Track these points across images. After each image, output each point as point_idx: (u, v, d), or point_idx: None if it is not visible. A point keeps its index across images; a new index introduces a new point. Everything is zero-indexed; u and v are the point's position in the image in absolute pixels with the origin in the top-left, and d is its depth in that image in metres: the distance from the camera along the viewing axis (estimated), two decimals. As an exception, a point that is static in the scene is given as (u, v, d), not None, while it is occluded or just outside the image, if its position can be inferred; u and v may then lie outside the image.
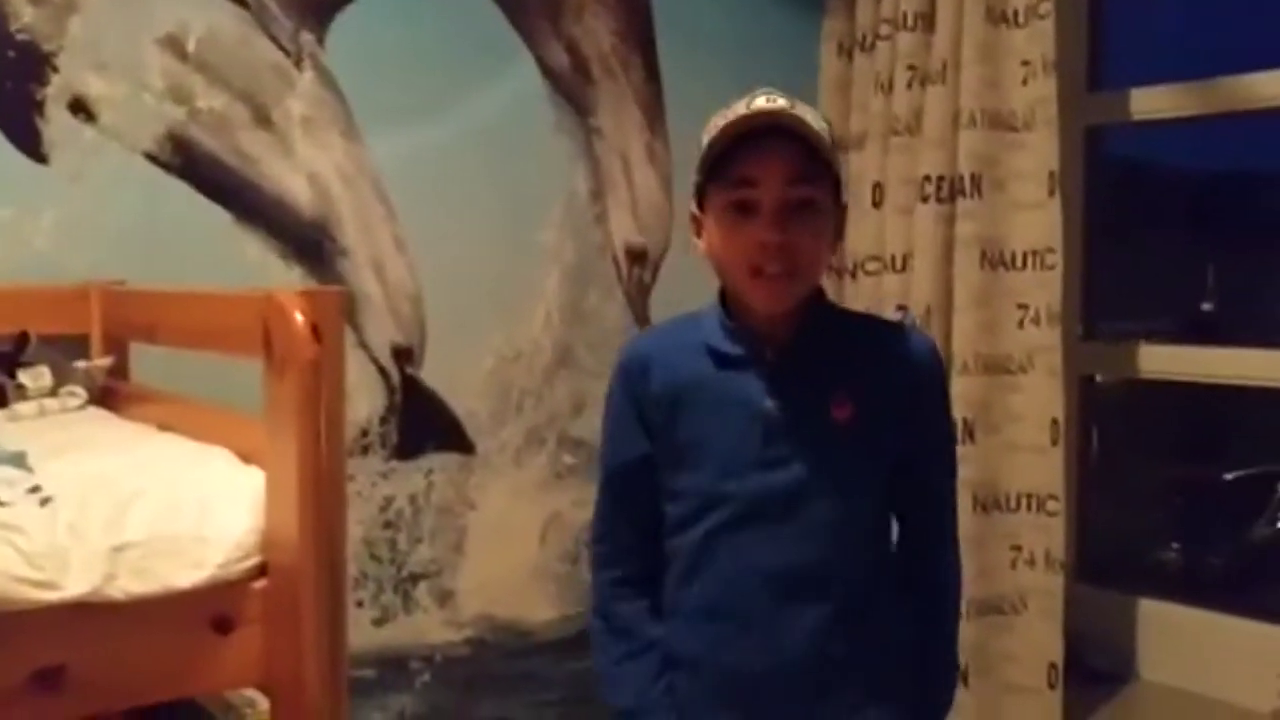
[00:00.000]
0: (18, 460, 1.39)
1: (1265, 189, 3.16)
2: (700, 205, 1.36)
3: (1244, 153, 3.00)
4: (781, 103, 1.29)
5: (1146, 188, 3.16)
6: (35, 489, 1.31)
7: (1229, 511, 3.32)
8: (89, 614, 1.21)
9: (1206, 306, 3.18)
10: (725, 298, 1.38)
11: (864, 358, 1.38)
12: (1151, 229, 3.19)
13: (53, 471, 1.36)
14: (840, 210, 1.37)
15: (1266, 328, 2.70)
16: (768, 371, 1.34)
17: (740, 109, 1.29)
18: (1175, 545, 3.21)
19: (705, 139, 1.32)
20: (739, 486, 1.33)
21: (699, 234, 1.37)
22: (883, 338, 1.44)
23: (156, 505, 1.29)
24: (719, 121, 1.30)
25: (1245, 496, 3.31)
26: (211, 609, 1.29)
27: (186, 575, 1.26)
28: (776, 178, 1.27)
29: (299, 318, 1.25)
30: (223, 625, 1.29)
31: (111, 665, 1.24)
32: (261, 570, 1.32)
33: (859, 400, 1.34)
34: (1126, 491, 3.11)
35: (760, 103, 1.28)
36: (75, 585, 1.21)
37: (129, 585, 1.24)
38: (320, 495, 1.25)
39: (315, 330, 1.25)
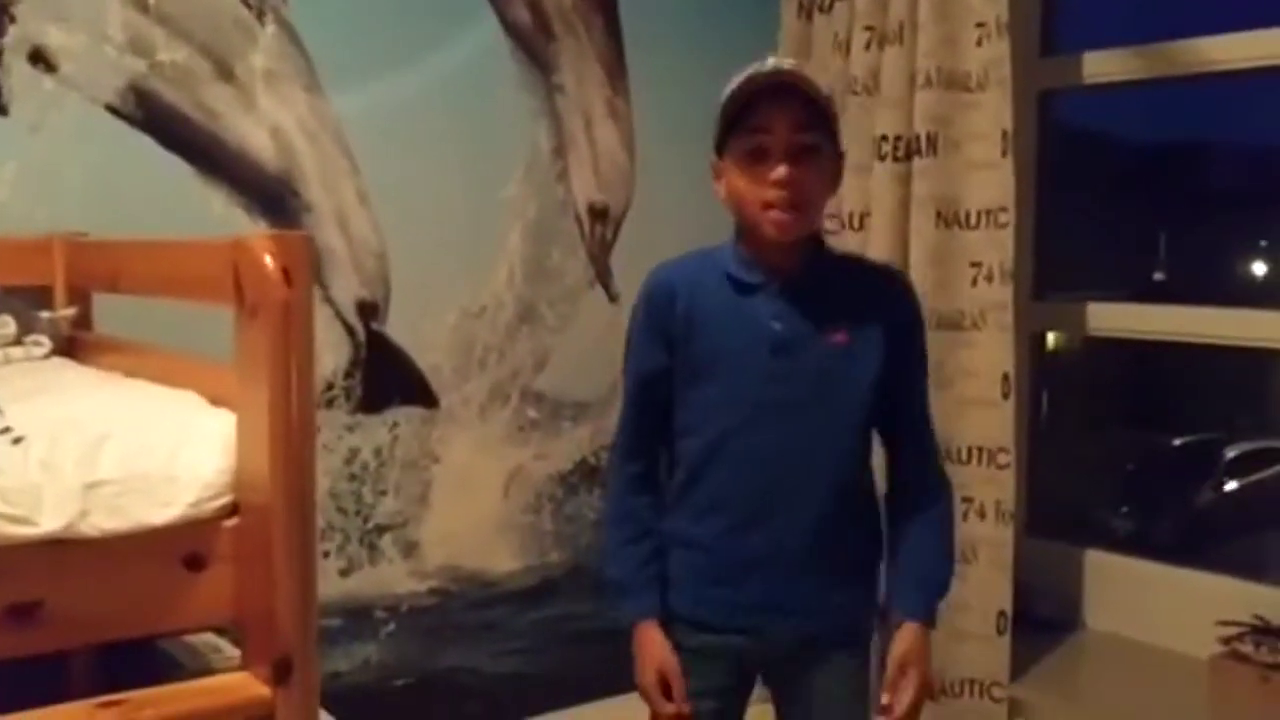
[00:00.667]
0: (-13, 403, 1.40)
1: (1214, 159, 3.24)
2: (719, 155, 1.58)
3: (1192, 123, 3.07)
4: (788, 64, 1.54)
5: (1097, 158, 3.22)
6: (6, 430, 1.33)
7: (1176, 476, 3.42)
8: (63, 550, 1.24)
9: (1158, 276, 3.26)
10: (740, 237, 1.61)
11: (856, 292, 1.62)
12: (1102, 199, 3.26)
13: (22, 414, 1.37)
14: (839, 156, 1.61)
15: (1217, 298, 2.76)
16: (776, 299, 1.57)
17: (754, 69, 1.52)
18: (1124, 509, 3.30)
19: (724, 98, 1.54)
20: (748, 395, 1.57)
21: (718, 179, 1.59)
22: (872, 277, 1.71)
23: (127, 445, 1.31)
24: (737, 81, 1.53)
25: (1192, 461, 3.40)
26: (183, 547, 1.31)
27: (158, 513, 1.29)
28: (785, 125, 1.50)
29: (269, 261, 1.27)
30: (194, 563, 1.32)
31: (86, 601, 1.26)
32: (232, 510, 1.34)
33: (851, 328, 1.58)
34: (1074, 451, 3.19)
35: (770, 64, 1.52)
36: (50, 521, 1.23)
37: (102, 522, 1.26)
38: (292, 435, 1.28)
39: (285, 273, 1.27)
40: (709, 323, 1.58)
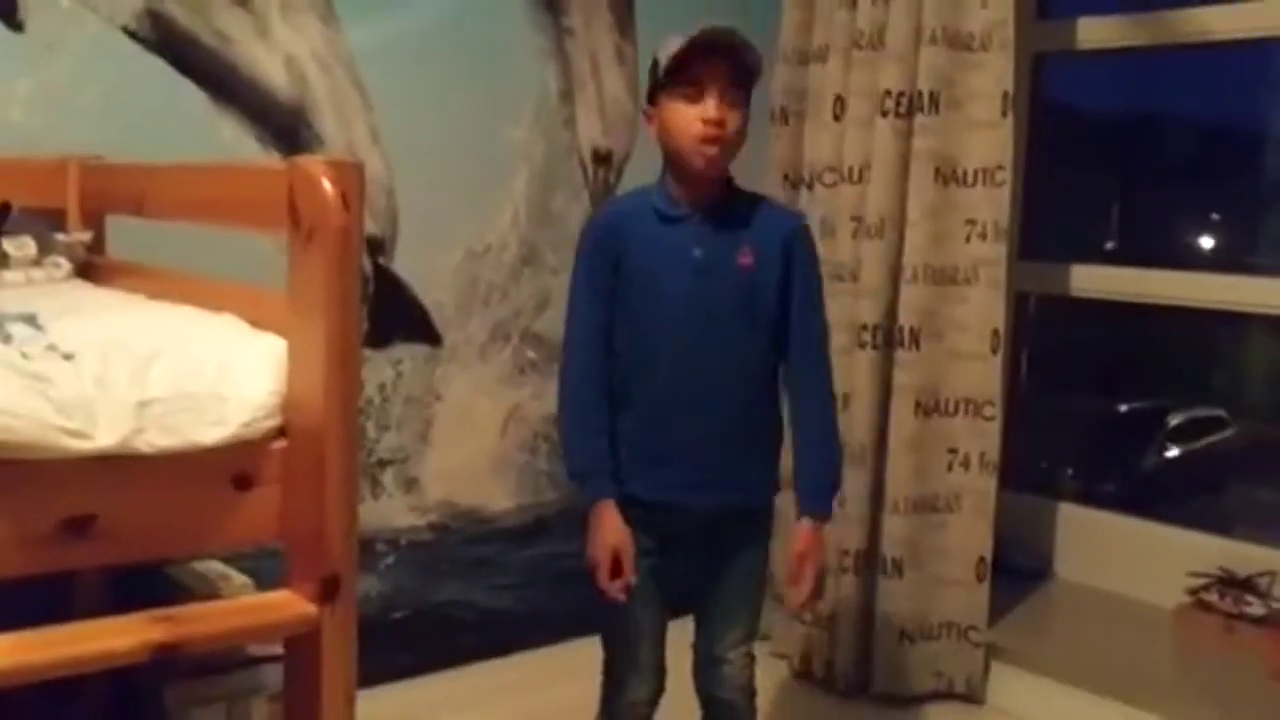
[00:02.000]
0: (30, 320, 1.40)
1: (1190, 131, 3.31)
2: (651, 102, 1.83)
3: (1170, 95, 3.14)
4: (724, 26, 1.74)
5: (1072, 127, 3.28)
6: (52, 346, 1.33)
7: (1122, 440, 3.53)
8: (116, 466, 1.24)
9: (1118, 244, 3.35)
10: (666, 176, 1.86)
11: (760, 224, 1.87)
12: (1079, 167, 3.33)
13: (64, 331, 1.37)
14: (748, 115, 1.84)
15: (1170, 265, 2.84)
16: (695, 229, 1.83)
17: (694, 31, 1.74)
18: (1069, 471, 3.41)
19: (663, 55, 1.77)
20: (674, 309, 1.82)
21: (650, 123, 1.85)
22: (773, 211, 1.95)
23: (176, 364, 1.32)
24: (680, 39, 1.75)
25: (1138, 426, 3.51)
26: (232, 466, 1.32)
27: (210, 432, 1.30)
28: (720, 78, 1.76)
29: (328, 186, 1.28)
30: (242, 482, 1.33)
31: (137, 517, 1.26)
32: (279, 431, 1.36)
33: (756, 253, 1.84)
34: (1037, 410, 3.27)
35: (710, 25, 1.74)
36: (105, 436, 1.23)
37: (156, 439, 1.26)
38: (345, 359, 1.30)
39: (344, 198, 1.28)
40: (641, 249, 1.83)
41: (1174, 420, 3.48)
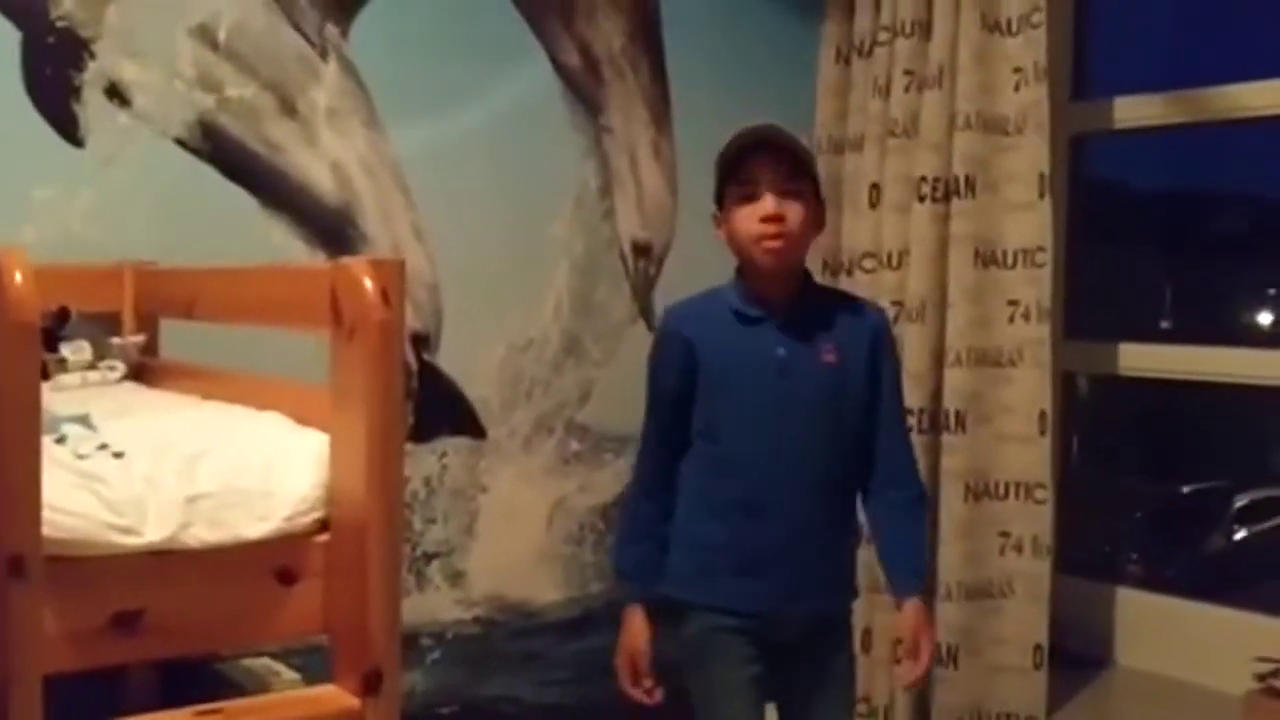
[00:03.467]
0: (83, 420, 1.45)
1: (1234, 207, 3.29)
2: (720, 207, 1.84)
3: (1212, 171, 3.13)
4: (769, 125, 1.79)
5: (1116, 204, 3.27)
6: (104, 446, 1.37)
7: (1186, 523, 3.45)
8: (165, 561, 1.27)
9: (1165, 324, 3.31)
10: (741, 276, 1.85)
11: (842, 319, 1.87)
12: (1122, 244, 3.31)
13: (116, 431, 1.42)
14: (821, 203, 1.85)
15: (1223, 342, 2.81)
16: (777, 328, 1.82)
17: (743, 130, 1.79)
18: (1134, 555, 3.33)
19: (719, 157, 1.81)
20: (759, 411, 1.81)
21: (719, 227, 1.86)
22: (852, 307, 1.95)
23: (223, 461, 1.36)
24: (729, 141, 1.80)
25: (1202, 508, 3.43)
26: (276, 560, 1.35)
27: (255, 526, 1.33)
28: (770, 174, 1.77)
29: (369, 283, 1.31)
30: (286, 576, 1.35)
31: (185, 611, 1.29)
32: (322, 526, 1.38)
33: (839, 348, 1.83)
34: (1091, 493, 3.21)
35: (755, 125, 1.79)
36: (154, 532, 1.27)
37: (203, 534, 1.30)
38: (387, 454, 1.32)
39: (384, 295, 1.32)
40: (719, 351, 1.82)
41: (1240, 501, 3.39)
